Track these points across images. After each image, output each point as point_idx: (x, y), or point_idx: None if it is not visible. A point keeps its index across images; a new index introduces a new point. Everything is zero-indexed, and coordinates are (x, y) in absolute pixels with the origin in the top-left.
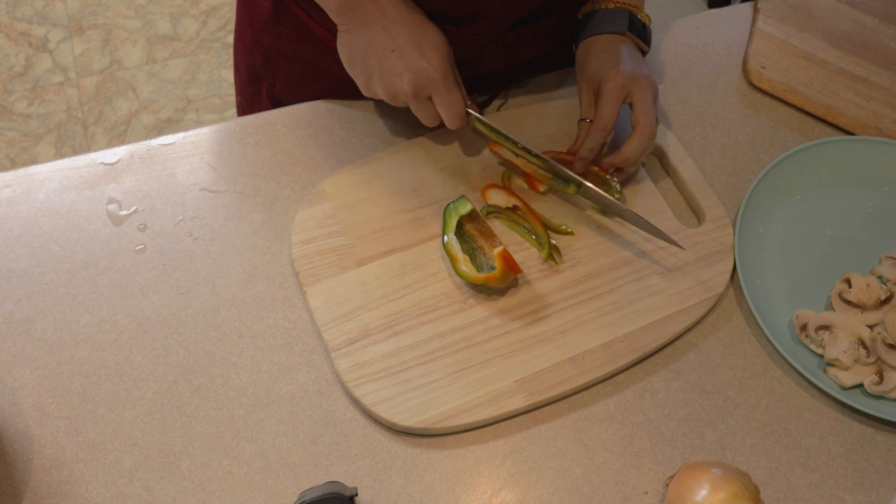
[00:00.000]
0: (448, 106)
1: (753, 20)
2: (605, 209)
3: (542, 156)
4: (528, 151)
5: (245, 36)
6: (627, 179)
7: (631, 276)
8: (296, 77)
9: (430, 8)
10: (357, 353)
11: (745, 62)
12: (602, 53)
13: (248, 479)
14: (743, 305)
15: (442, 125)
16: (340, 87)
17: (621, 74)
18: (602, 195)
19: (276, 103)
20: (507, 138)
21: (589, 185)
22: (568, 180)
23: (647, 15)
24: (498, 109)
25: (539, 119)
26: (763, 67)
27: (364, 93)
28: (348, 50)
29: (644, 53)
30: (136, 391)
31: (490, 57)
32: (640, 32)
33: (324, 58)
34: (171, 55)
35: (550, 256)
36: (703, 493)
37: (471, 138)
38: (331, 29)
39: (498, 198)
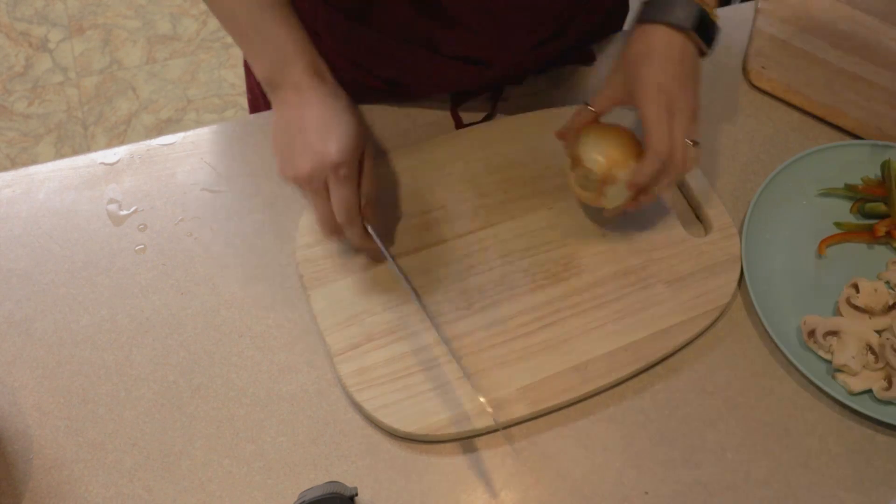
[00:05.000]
0: (337, 199)
1: (753, 20)
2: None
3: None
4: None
5: None
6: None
7: (637, 285)
8: None
9: None
10: (359, 357)
11: (745, 62)
12: (661, 58)
13: (248, 479)
14: (746, 307)
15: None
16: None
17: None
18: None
19: None
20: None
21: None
22: None
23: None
24: (492, 110)
25: (540, 127)
26: (763, 67)
27: (279, 174)
28: (273, 128)
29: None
30: (136, 391)
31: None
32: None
33: None
34: (171, 55)
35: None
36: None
37: (477, 142)
38: None
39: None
